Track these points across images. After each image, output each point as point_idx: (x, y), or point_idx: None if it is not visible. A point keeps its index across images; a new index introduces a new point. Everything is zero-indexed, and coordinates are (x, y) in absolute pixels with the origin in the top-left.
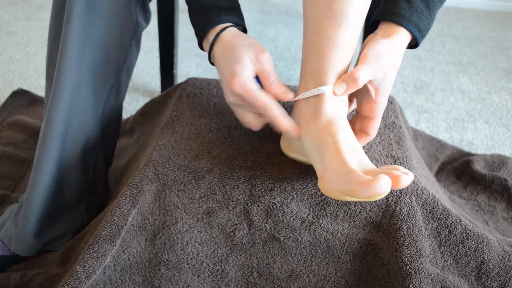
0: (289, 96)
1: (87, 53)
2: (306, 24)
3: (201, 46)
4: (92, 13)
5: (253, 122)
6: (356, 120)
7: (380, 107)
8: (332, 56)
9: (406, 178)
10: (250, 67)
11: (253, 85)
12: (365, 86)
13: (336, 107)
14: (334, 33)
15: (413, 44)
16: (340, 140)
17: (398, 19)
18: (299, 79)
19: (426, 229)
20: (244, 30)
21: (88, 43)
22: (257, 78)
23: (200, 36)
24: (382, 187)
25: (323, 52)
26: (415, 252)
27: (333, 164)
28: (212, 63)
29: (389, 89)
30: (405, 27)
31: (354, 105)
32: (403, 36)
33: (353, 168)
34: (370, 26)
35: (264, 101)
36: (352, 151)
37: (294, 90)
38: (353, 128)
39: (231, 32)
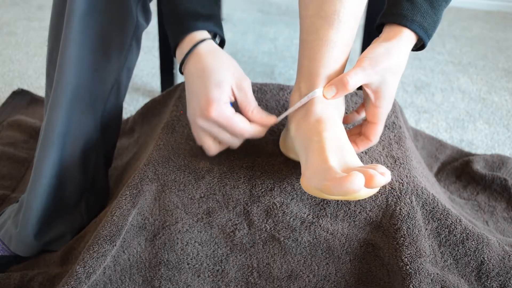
0: (272, 120)
1: (88, 53)
2: (300, 24)
3: (174, 53)
4: (93, 13)
5: (212, 147)
6: (363, 124)
7: (381, 111)
8: (324, 56)
9: (380, 178)
10: (228, 94)
11: (230, 111)
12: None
13: (327, 107)
14: (326, 33)
15: (419, 46)
16: (326, 138)
17: (401, 20)
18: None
19: (426, 229)
20: (223, 41)
21: (88, 43)
22: (231, 103)
23: (175, 43)
24: (354, 184)
25: (315, 53)
26: (415, 252)
27: (315, 162)
28: (181, 72)
29: (391, 93)
30: (408, 28)
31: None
32: (406, 37)
33: (332, 166)
34: (375, 30)
35: (243, 127)
36: (337, 150)
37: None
38: (357, 132)
39: (209, 47)
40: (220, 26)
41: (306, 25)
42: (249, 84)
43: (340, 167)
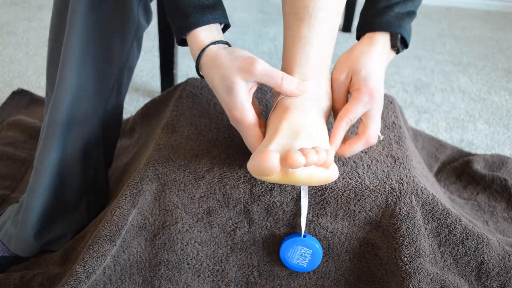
0: (306, 87)
1: (90, 53)
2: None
3: (180, 43)
4: (95, 13)
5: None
6: None
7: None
8: (297, 54)
9: (298, 157)
10: (245, 88)
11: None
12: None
13: (297, 99)
14: (298, 29)
15: (402, 44)
16: (283, 125)
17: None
18: None
19: (426, 229)
20: (226, 26)
21: (91, 43)
22: None
23: (180, 36)
24: (266, 162)
25: (290, 50)
26: (414, 252)
27: (262, 145)
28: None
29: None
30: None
31: None
32: (373, 40)
33: (268, 149)
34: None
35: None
36: (291, 135)
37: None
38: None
39: (208, 59)
40: (225, 15)
41: (284, 23)
42: (260, 65)
43: (281, 150)
